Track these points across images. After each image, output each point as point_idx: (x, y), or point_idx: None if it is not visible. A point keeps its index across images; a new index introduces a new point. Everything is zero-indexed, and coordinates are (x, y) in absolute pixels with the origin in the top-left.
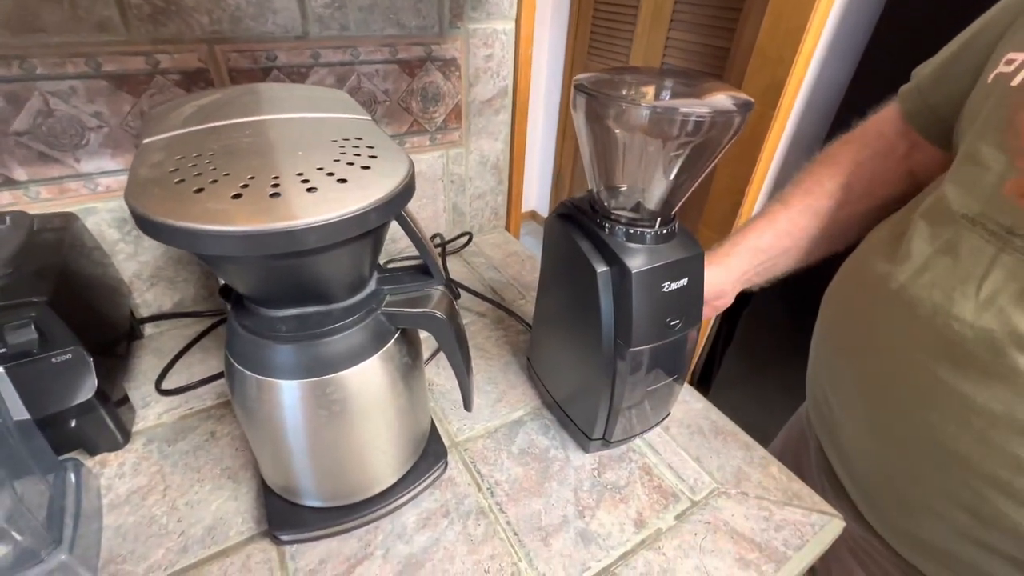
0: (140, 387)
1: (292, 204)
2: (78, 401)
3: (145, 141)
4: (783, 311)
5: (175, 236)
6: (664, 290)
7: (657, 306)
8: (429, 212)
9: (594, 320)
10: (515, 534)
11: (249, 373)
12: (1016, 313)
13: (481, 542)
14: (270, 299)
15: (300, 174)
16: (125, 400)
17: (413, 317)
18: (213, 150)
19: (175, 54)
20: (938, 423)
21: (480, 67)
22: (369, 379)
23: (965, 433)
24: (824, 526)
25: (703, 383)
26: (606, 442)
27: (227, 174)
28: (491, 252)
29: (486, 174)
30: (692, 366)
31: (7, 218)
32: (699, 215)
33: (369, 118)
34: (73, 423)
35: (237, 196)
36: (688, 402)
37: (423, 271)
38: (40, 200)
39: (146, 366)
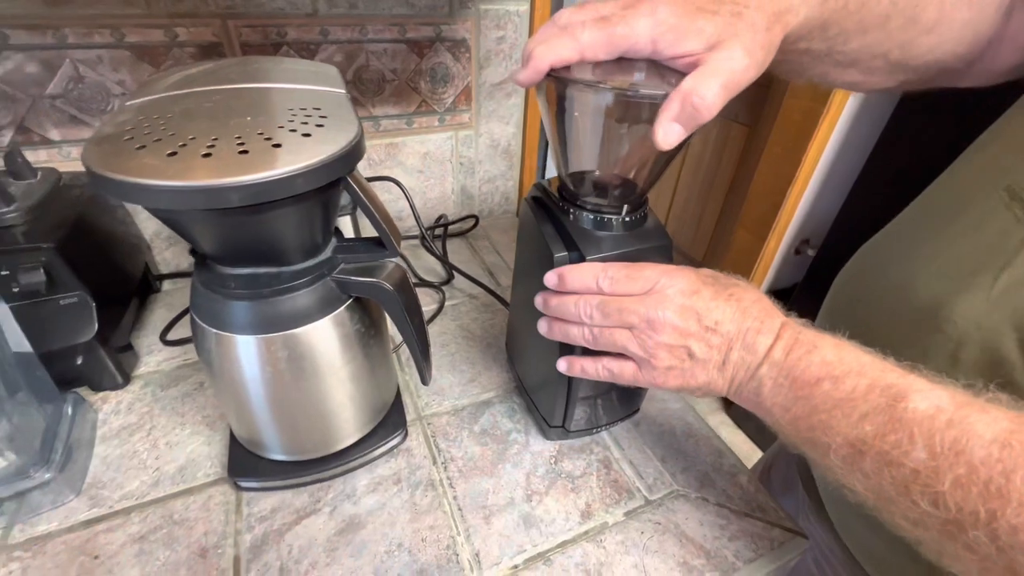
0: (148, 336)
1: (220, 164)
2: (79, 341)
3: (126, 104)
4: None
5: (109, 187)
6: None
7: None
8: (437, 193)
9: None
10: (459, 509)
11: (207, 327)
12: None
13: (424, 512)
14: (225, 257)
15: (238, 137)
16: (129, 347)
17: (361, 285)
18: (172, 113)
19: (191, 28)
20: None
21: (492, 49)
22: (319, 340)
23: None
24: (784, 543)
25: None
26: (566, 431)
27: (173, 134)
28: (497, 237)
29: (497, 158)
30: None
31: (39, 173)
32: (736, 216)
33: (343, 92)
34: (79, 360)
35: (172, 154)
36: (665, 400)
37: (379, 244)
38: (71, 159)
39: (157, 318)
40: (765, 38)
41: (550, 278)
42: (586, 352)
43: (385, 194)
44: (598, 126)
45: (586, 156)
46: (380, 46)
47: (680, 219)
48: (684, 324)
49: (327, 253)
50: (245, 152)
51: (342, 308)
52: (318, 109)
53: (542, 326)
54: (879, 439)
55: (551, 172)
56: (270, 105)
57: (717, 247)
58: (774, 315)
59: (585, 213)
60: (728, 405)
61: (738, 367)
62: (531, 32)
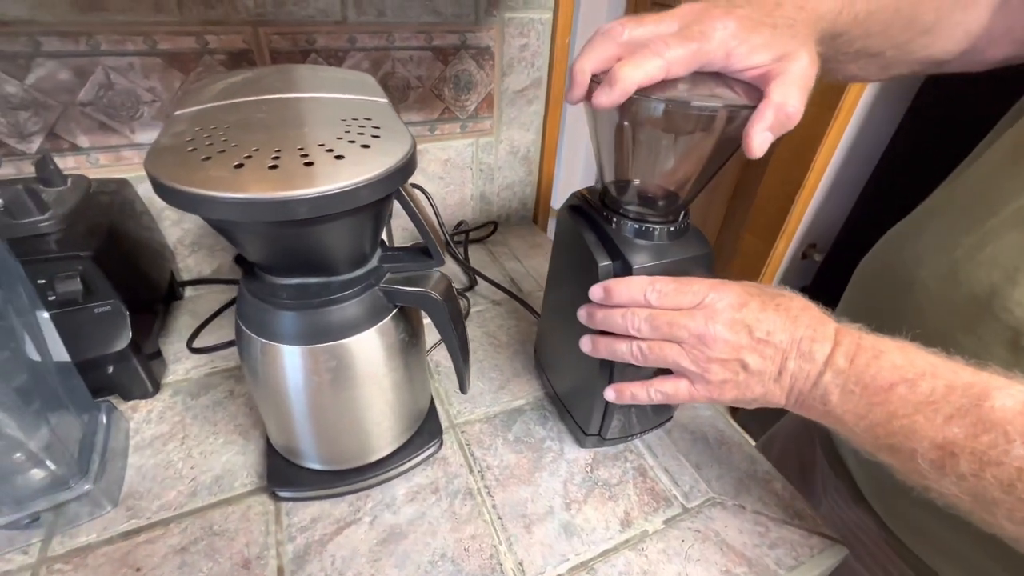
0: (174, 343)
1: (288, 176)
2: (114, 350)
3: (176, 113)
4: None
5: (179, 198)
6: None
7: None
8: (456, 199)
9: None
10: (499, 518)
11: (254, 336)
12: None
13: (465, 521)
14: (275, 267)
15: (300, 149)
16: (158, 354)
17: (409, 295)
18: (228, 123)
19: (222, 35)
20: None
21: (515, 56)
22: (364, 350)
23: None
24: (824, 550)
25: None
26: (601, 439)
27: (235, 145)
28: (515, 243)
29: (516, 165)
30: None
31: (69, 180)
32: (743, 220)
33: (386, 101)
34: (111, 369)
35: (239, 166)
36: (696, 408)
37: (425, 252)
38: (99, 166)
39: (182, 325)
40: (813, 48)
41: (596, 291)
42: (628, 370)
43: None
44: (658, 139)
45: (638, 167)
46: (406, 53)
47: None
48: (735, 338)
49: (374, 263)
50: (310, 164)
51: (388, 318)
52: (369, 119)
53: (585, 344)
54: (972, 440)
55: (559, 179)
56: (322, 115)
57: (723, 250)
58: (826, 322)
59: (629, 222)
60: (734, 410)
61: (796, 377)
62: (553, 39)
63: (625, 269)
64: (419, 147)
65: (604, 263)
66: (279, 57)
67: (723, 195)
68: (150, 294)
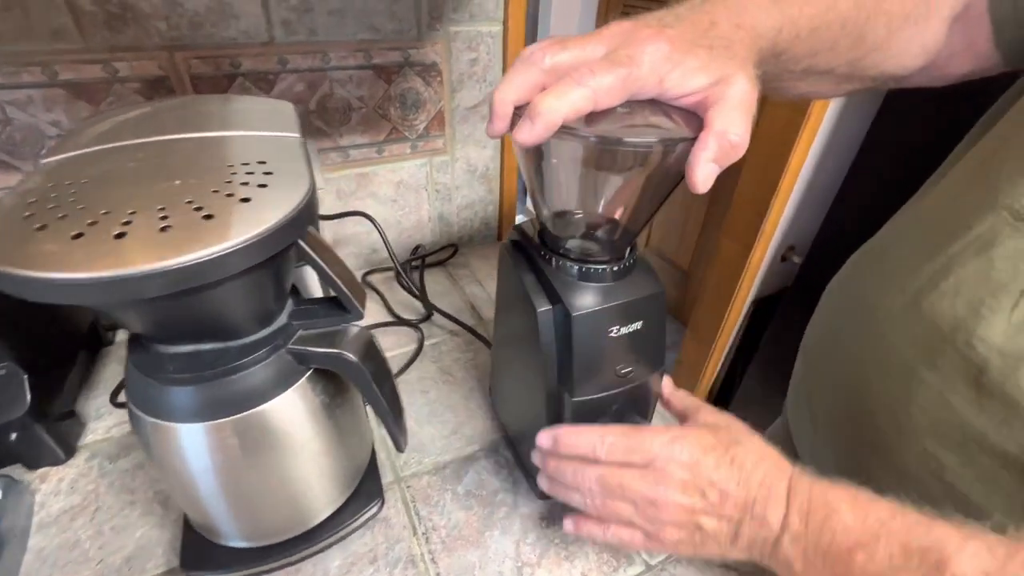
0: (99, 396)
1: (132, 248)
2: (9, 419)
3: (42, 162)
4: (789, 319)
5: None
6: (612, 335)
7: (604, 352)
8: (412, 221)
9: (537, 363)
10: None
11: (144, 416)
12: None
13: None
14: (160, 336)
15: (162, 209)
16: (71, 414)
17: (321, 356)
18: (88, 177)
19: (133, 62)
20: (942, 456)
21: (464, 72)
22: (278, 419)
23: (969, 470)
24: None
25: (721, 402)
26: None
27: (83, 208)
28: (478, 264)
29: (474, 183)
30: (710, 384)
31: None
32: (720, 225)
33: (296, 136)
34: (13, 436)
35: (78, 236)
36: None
37: (341, 304)
38: None
39: (110, 374)
40: (751, 70)
41: (544, 439)
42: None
43: (357, 226)
44: (593, 175)
45: (574, 204)
46: (344, 73)
47: (664, 227)
48: (689, 501)
49: (282, 319)
50: (167, 228)
51: (303, 379)
52: (264, 163)
53: (543, 483)
54: None
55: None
56: (207, 161)
57: (702, 255)
58: (780, 476)
59: (568, 262)
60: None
61: (753, 541)
62: (505, 53)
63: (565, 314)
64: (367, 170)
65: (542, 308)
66: (201, 83)
67: (701, 200)
68: (64, 346)
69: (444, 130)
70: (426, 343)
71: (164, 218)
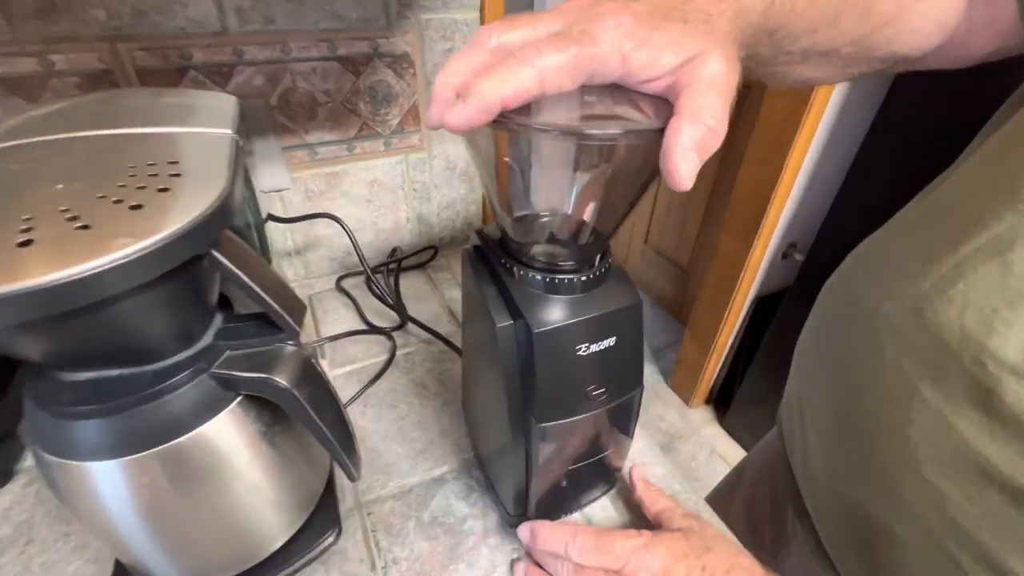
0: None
1: None
2: None
3: None
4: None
5: None
6: (581, 353)
7: (572, 372)
8: (389, 223)
9: (499, 383)
10: None
11: (45, 455)
12: None
13: None
14: (55, 363)
15: (27, 219)
16: (10, 435)
17: (248, 382)
18: None
19: (71, 54)
20: (944, 488)
21: (439, 63)
22: (203, 452)
23: (976, 506)
24: None
25: (722, 403)
26: (528, 520)
27: None
28: (459, 267)
29: (454, 181)
30: (710, 384)
31: None
32: (720, 221)
33: (228, 132)
34: None
35: None
36: (649, 465)
37: (273, 322)
38: None
39: None
40: (732, 49)
41: (523, 532)
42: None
43: (329, 229)
44: (552, 174)
45: (535, 205)
46: (307, 65)
47: (664, 223)
48: None
49: (207, 339)
50: (27, 243)
51: (234, 405)
52: (175, 163)
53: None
54: None
55: None
56: (107, 161)
57: (702, 252)
58: None
59: (532, 272)
60: (722, 416)
61: None
62: None
63: (527, 331)
64: (337, 168)
65: (502, 323)
66: (149, 77)
67: (701, 195)
68: (2, 366)
69: (420, 125)
70: (399, 352)
71: (27, 230)
